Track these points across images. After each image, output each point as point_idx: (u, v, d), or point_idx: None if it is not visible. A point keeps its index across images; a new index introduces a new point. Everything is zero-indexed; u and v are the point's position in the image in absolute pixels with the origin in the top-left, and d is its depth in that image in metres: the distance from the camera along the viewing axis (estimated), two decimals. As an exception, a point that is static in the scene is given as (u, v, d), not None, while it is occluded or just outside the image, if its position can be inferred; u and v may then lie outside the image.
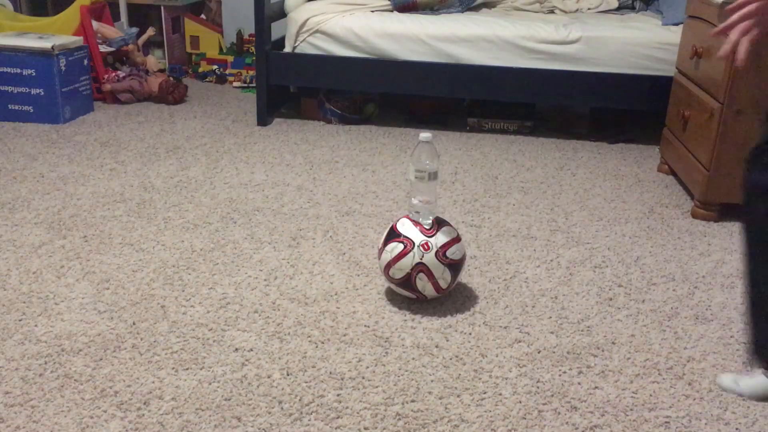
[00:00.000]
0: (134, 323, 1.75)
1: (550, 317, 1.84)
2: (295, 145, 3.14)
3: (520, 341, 1.73)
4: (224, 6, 4.48)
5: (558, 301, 1.92)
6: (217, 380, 1.55)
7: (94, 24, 3.68)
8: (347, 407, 1.48)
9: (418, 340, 1.72)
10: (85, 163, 2.82)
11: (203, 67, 4.32)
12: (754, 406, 1.53)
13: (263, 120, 3.40)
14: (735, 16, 1.30)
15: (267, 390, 1.52)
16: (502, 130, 3.43)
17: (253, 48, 4.28)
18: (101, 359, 1.61)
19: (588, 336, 1.76)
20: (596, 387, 1.57)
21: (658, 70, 3.16)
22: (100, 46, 3.67)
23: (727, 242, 2.32)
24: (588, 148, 3.24)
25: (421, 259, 1.78)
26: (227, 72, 4.25)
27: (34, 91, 3.29)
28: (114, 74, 3.68)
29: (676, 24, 3.20)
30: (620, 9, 3.78)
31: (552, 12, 3.70)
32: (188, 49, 4.41)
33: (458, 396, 1.52)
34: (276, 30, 3.54)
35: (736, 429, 1.46)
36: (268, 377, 1.56)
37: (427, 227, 1.82)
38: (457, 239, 1.84)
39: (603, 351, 1.70)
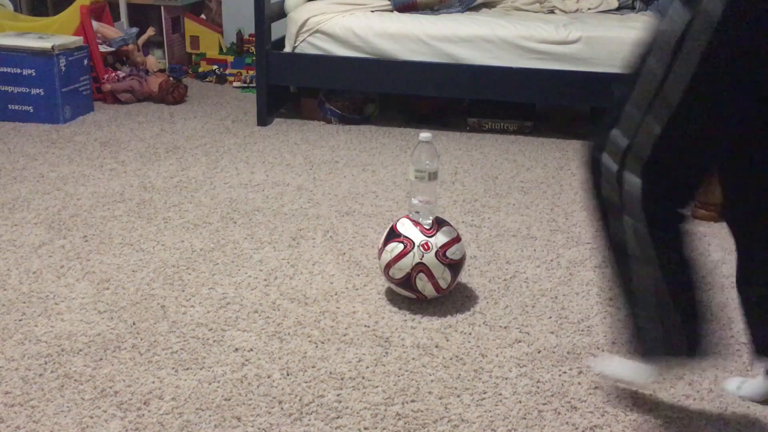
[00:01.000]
0: (134, 323, 1.75)
1: (550, 317, 1.84)
2: (295, 145, 3.14)
3: (520, 341, 1.73)
4: (224, 6, 4.47)
5: (558, 301, 1.92)
6: (217, 380, 1.55)
7: (94, 24, 3.68)
8: (347, 407, 1.48)
9: (418, 340, 1.72)
10: (85, 163, 2.82)
11: (203, 67, 4.32)
12: (754, 406, 1.53)
13: (263, 120, 3.40)
14: None
15: (267, 390, 1.52)
16: (502, 130, 3.43)
17: (253, 48, 4.27)
18: (101, 359, 1.61)
19: (588, 336, 1.76)
20: (596, 387, 1.57)
21: (658, 70, 3.15)
22: (100, 46, 3.66)
23: (727, 242, 2.32)
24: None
25: (421, 259, 1.78)
26: (227, 72, 4.25)
27: (34, 91, 3.29)
28: (114, 74, 3.68)
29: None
30: (620, 9, 3.77)
31: (552, 12, 3.70)
32: (188, 49, 4.41)
33: (458, 396, 1.52)
34: (276, 30, 3.53)
35: (737, 429, 1.46)
36: (268, 377, 1.56)
37: (427, 227, 1.82)
38: (457, 239, 1.84)
39: (603, 351, 1.70)
